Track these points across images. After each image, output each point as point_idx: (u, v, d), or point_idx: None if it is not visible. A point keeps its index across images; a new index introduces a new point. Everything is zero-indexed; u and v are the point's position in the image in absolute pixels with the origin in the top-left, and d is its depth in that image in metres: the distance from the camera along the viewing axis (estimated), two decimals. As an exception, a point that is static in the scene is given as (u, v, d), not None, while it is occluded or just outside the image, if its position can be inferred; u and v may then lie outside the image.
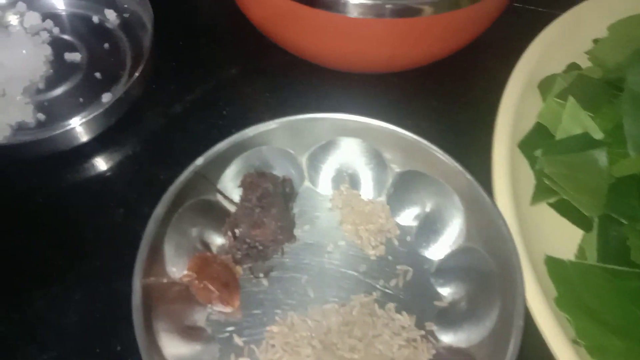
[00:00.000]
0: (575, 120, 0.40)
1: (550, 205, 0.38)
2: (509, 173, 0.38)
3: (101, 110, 0.41)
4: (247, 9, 0.44)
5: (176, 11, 0.51)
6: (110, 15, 0.50)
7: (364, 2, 0.36)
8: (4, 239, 0.40)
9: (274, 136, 0.39)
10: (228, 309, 0.35)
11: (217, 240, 0.38)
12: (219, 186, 0.39)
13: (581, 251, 0.37)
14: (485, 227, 0.36)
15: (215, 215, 0.38)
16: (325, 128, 0.39)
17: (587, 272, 0.35)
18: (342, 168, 0.41)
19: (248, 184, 0.37)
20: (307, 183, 0.41)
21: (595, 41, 0.46)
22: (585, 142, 0.39)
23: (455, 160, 0.36)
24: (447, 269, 0.38)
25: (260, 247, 0.37)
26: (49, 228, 0.40)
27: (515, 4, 0.52)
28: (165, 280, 0.35)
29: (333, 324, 0.35)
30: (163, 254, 0.35)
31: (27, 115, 0.44)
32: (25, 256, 0.39)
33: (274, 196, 0.37)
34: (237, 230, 0.37)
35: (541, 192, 0.38)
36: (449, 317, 0.36)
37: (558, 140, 0.40)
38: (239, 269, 0.37)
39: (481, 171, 0.38)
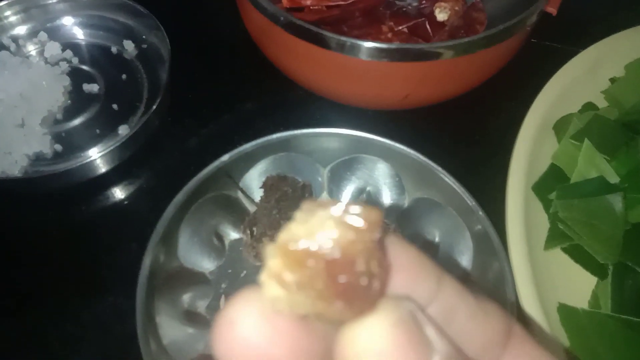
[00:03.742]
0: (590, 164, 0.39)
1: (564, 251, 0.38)
2: (523, 216, 0.38)
3: (118, 143, 0.42)
4: (264, 46, 0.44)
5: (194, 44, 0.52)
6: (129, 46, 0.51)
7: (378, 45, 0.36)
8: (18, 273, 0.40)
9: (299, 145, 0.40)
10: None
11: (232, 235, 0.40)
12: (242, 184, 0.40)
13: (595, 299, 0.36)
14: (490, 267, 0.35)
15: (234, 211, 0.40)
16: (349, 145, 0.40)
17: (601, 322, 0.34)
18: (361, 185, 0.42)
19: (269, 185, 0.38)
20: (325, 194, 0.42)
21: (612, 80, 0.45)
22: (600, 186, 0.39)
23: (472, 198, 0.36)
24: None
25: None
26: (64, 262, 0.41)
27: (531, 40, 0.52)
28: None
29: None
30: (177, 238, 0.37)
31: (45, 146, 0.45)
32: (40, 292, 0.39)
33: (292, 200, 0.38)
34: (254, 229, 0.38)
35: (555, 237, 0.38)
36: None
37: (573, 183, 0.39)
38: None
39: (494, 212, 0.37)
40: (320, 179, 0.42)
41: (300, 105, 0.48)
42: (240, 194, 0.40)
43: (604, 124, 0.42)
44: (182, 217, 0.37)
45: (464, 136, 0.46)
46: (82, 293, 0.39)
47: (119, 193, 0.44)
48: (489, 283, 0.36)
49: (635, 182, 0.38)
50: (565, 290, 0.36)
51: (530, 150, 0.41)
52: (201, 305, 0.38)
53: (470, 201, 0.37)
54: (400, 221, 0.41)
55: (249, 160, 0.40)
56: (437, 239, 0.40)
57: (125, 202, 0.44)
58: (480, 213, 0.36)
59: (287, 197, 0.38)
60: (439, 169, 0.38)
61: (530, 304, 0.34)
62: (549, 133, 0.42)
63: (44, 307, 0.39)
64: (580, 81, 0.45)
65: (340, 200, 0.13)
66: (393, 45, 0.36)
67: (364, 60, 0.37)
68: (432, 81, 0.40)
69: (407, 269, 0.15)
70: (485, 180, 0.41)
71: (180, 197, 0.37)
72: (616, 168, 0.39)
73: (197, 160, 0.45)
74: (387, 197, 0.41)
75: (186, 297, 0.37)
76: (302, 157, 0.41)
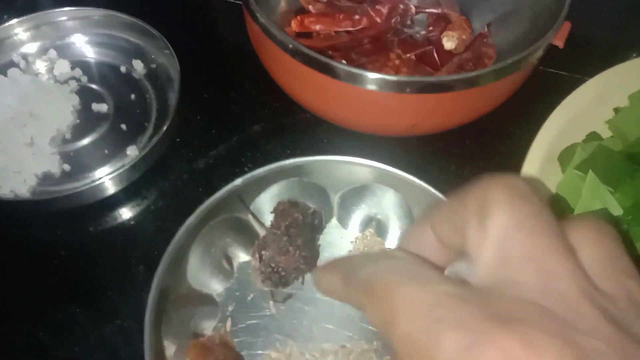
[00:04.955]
0: (594, 195, 0.40)
1: (568, 282, 0.38)
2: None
3: (127, 166, 0.42)
4: (273, 71, 0.45)
5: (203, 65, 0.52)
6: (138, 65, 0.51)
7: (386, 77, 0.37)
8: (25, 293, 0.41)
9: (311, 171, 0.40)
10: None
11: (241, 257, 0.41)
12: (252, 208, 0.40)
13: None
14: None
15: (244, 234, 0.40)
16: (361, 173, 0.40)
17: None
18: (371, 213, 0.42)
19: (280, 211, 0.39)
20: (334, 220, 0.42)
21: (616, 110, 0.46)
22: (604, 218, 0.39)
23: None
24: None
25: (283, 273, 0.38)
26: (72, 283, 0.41)
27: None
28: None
29: None
30: (187, 260, 0.37)
31: (53, 165, 0.45)
32: (47, 312, 0.40)
33: (302, 227, 0.38)
34: (263, 253, 0.38)
35: (559, 269, 0.38)
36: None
37: (576, 215, 0.40)
38: (232, 340, 0.38)
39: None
40: (330, 205, 0.42)
41: (307, 128, 0.48)
42: (250, 217, 0.41)
43: (608, 155, 0.42)
44: (193, 239, 0.38)
45: (469, 162, 0.47)
46: (89, 314, 0.40)
47: (127, 214, 0.44)
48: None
49: (639, 214, 0.39)
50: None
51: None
52: (208, 327, 0.38)
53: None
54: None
55: (261, 184, 0.40)
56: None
57: (133, 223, 0.44)
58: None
59: (297, 224, 0.38)
60: (444, 197, 0.39)
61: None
62: (554, 163, 0.43)
63: (51, 328, 0.39)
64: (585, 110, 0.45)
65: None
66: (402, 78, 0.37)
67: (372, 91, 0.37)
68: (439, 112, 0.40)
69: None
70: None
71: (192, 219, 0.37)
72: (620, 200, 0.39)
73: (206, 182, 0.46)
74: (395, 226, 0.41)
75: (193, 319, 0.37)
76: (314, 183, 0.41)
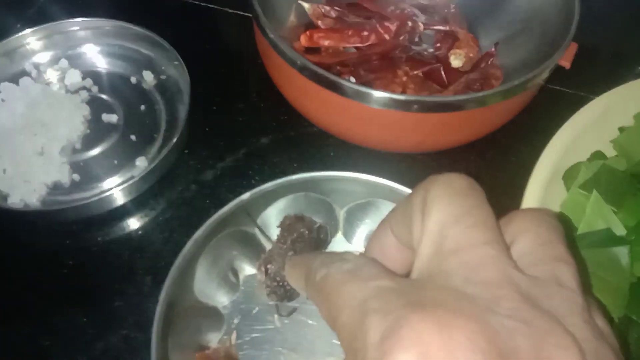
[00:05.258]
0: (598, 215, 0.40)
1: (571, 301, 0.39)
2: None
3: (137, 178, 0.43)
4: (281, 85, 0.45)
5: (212, 77, 0.53)
6: (148, 76, 0.52)
7: (392, 96, 0.37)
8: (32, 301, 0.41)
9: (317, 186, 0.41)
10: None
11: (247, 270, 0.41)
12: (259, 222, 0.41)
13: (600, 352, 0.37)
14: None
15: (250, 247, 0.41)
16: (366, 188, 0.41)
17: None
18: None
19: (286, 225, 0.39)
20: (340, 235, 0.43)
21: (621, 130, 0.46)
22: (607, 238, 0.39)
23: None
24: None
25: (288, 287, 0.38)
26: (79, 292, 0.42)
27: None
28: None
29: None
30: (194, 273, 0.38)
31: (63, 175, 0.46)
32: (53, 321, 0.40)
33: (307, 241, 0.38)
34: (269, 267, 0.39)
35: (561, 287, 0.39)
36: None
37: (580, 234, 0.40)
38: (237, 354, 0.38)
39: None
40: (335, 219, 0.42)
41: (314, 142, 0.49)
42: (257, 231, 0.41)
43: (612, 175, 0.42)
44: (201, 252, 0.38)
45: (474, 178, 0.47)
46: (95, 323, 0.40)
47: (134, 224, 0.45)
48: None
49: (642, 234, 0.39)
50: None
51: (540, 198, 0.42)
52: (213, 340, 0.39)
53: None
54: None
55: (268, 198, 0.41)
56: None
57: (141, 234, 0.45)
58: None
59: (303, 238, 0.39)
60: None
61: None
62: (558, 181, 0.43)
63: (57, 336, 0.40)
64: (590, 129, 0.45)
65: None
66: (409, 97, 0.37)
67: (379, 109, 0.38)
68: (446, 130, 0.41)
69: None
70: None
71: (199, 233, 0.38)
72: (623, 220, 0.40)
73: (213, 193, 0.46)
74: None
75: (199, 332, 0.38)
76: (320, 198, 0.42)
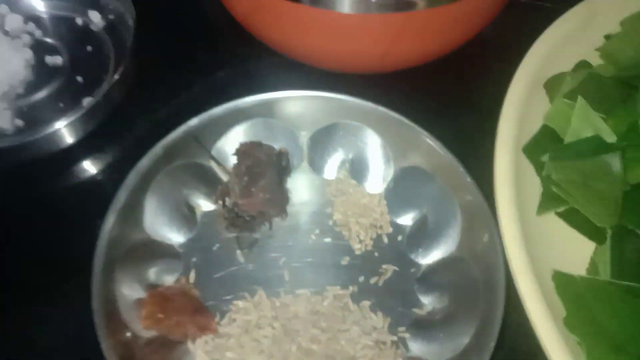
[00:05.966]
0: (585, 122, 0.37)
1: (559, 215, 0.35)
2: (513, 180, 0.35)
3: (81, 114, 0.39)
4: (230, 4, 0.41)
5: (160, 11, 0.49)
6: (95, 17, 0.48)
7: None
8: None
9: (276, 110, 0.38)
10: (209, 334, 0.33)
11: (204, 206, 0.38)
12: (214, 152, 0.38)
13: (593, 266, 0.34)
14: (480, 239, 0.33)
15: (207, 181, 0.38)
16: (330, 109, 0.38)
17: (600, 289, 0.32)
18: (344, 155, 0.39)
19: (242, 152, 0.36)
20: (305, 163, 0.40)
21: (607, 37, 0.43)
22: (596, 145, 0.36)
23: (459, 162, 0.35)
24: (432, 277, 0.36)
25: (248, 218, 0.36)
26: (30, 241, 0.39)
27: (521, -1, 0.49)
28: (129, 335, 0.32)
29: (301, 310, 0.34)
30: (143, 208, 0.35)
31: (5, 121, 0.42)
32: (4, 274, 0.37)
33: (265, 167, 0.35)
34: (227, 199, 0.36)
35: (548, 201, 0.35)
36: (425, 327, 0.34)
37: (567, 144, 0.37)
38: (195, 292, 0.35)
39: (484, 179, 0.35)
40: (299, 147, 0.39)
41: (276, 72, 0.45)
42: (212, 163, 0.38)
43: (600, 82, 0.39)
44: (148, 185, 0.35)
45: (451, 99, 0.43)
46: (49, 274, 0.37)
47: (84, 167, 0.42)
48: (479, 253, 0.34)
49: (634, 140, 0.36)
50: (560, 258, 0.34)
51: (520, 111, 0.38)
52: (169, 280, 0.35)
53: (457, 166, 0.35)
54: (386, 193, 0.38)
55: (222, 126, 0.38)
56: (424, 211, 0.37)
57: (91, 175, 0.41)
58: (468, 179, 0.35)
59: (260, 164, 0.35)
60: (425, 132, 0.36)
61: (522, 272, 0.32)
62: (539, 93, 0.40)
63: (11, 291, 0.37)
64: (571, 39, 0.42)
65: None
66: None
67: (335, 13, 0.34)
68: (410, 36, 0.37)
69: None
70: (475, 146, 0.38)
71: (144, 162, 0.35)
72: (613, 126, 0.36)
73: (168, 132, 0.42)
74: (371, 168, 0.39)
75: (152, 271, 0.35)
76: (280, 124, 0.39)
